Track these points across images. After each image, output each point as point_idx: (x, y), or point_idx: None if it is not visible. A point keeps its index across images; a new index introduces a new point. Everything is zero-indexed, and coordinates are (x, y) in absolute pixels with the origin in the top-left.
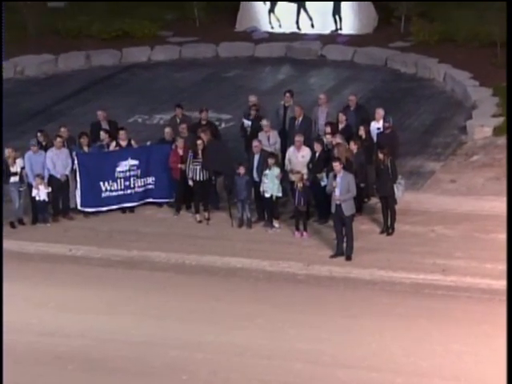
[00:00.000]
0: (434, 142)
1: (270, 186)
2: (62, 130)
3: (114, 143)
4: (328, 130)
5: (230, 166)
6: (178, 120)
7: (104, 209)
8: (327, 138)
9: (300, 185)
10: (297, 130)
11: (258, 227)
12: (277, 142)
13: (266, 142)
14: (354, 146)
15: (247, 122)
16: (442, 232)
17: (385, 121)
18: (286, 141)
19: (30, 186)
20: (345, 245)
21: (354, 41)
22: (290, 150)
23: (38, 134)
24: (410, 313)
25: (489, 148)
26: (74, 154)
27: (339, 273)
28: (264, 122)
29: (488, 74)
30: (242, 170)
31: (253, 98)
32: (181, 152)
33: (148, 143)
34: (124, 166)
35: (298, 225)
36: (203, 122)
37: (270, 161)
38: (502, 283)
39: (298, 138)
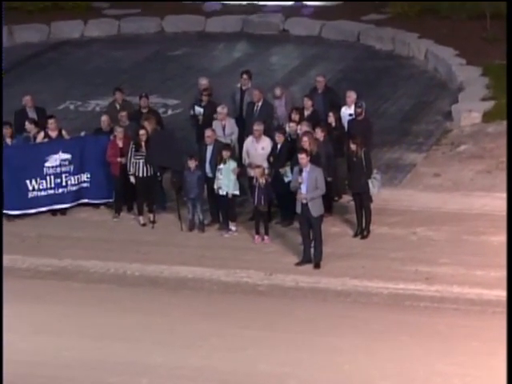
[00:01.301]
0: (415, 130)
1: (226, 182)
2: None
3: (41, 134)
4: (292, 116)
5: (179, 159)
6: (118, 106)
7: (31, 211)
8: (291, 127)
9: (261, 181)
10: (256, 118)
11: (212, 231)
12: (234, 132)
13: (220, 132)
14: (320, 134)
15: (198, 109)
16: (425, 234)
17: (357, 106)
18: (244, 130)
19: None
20: (312, 250)
21: (321, 13)
22: (248, 141)
23: None
24: (389, 328)
25: (478, 136)
26: None
27: (306, 283)
28: (219, 109)
29: (477, 50)
30: (192, 165)
31: (204, 81)
32: (120, 144)
33: (82, 134)
34: (54, 160)
35: (259, 228)
36: (143, 111)
37: (225, 153)
38: (495, 293)
39: (258, 127)
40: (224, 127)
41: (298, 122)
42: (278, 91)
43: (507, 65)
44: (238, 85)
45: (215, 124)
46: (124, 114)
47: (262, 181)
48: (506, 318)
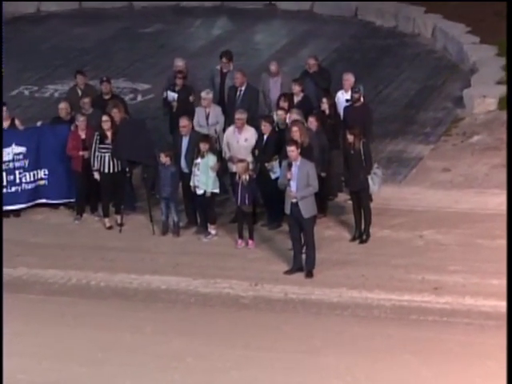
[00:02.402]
0: (421, 119)
1: (204, 179)
2: None
3: None
4: (281, 103)
5: (150, 153)
6: (79, 92)
7: None
8: (279, 115)
9: (244, 177)
10: (238, 105)
11: (189, 235)
12: (219, 121)
13: (203, 121)
14: (313, 124)
15: (171, 94)
16: (433, 238)
17: (354, 91)
18: (225, 119)
19: None
20: (304, 257)
21: None
22: (229, 131)
23: None
24: (392, 346)
25: (493, 125)
26: None
27: (297, 294)
28: (203, 94)
29: (491, 26)
30: (165, 159)
31: (179, 62)
32: (83, 135)
33: (38, 124)
34: (6, 154)
35: (242, 231)
36: (105, 97)
37: (203, 146)
38: None
39: (240, 115)
40: (208, 115)
41: (287, 110)
42: (273, 66)
43: (507, 65)
44: (218, 67)
45: (198, 111)
46: (86, 100)
47: (246, 177)
48: (506, 316)
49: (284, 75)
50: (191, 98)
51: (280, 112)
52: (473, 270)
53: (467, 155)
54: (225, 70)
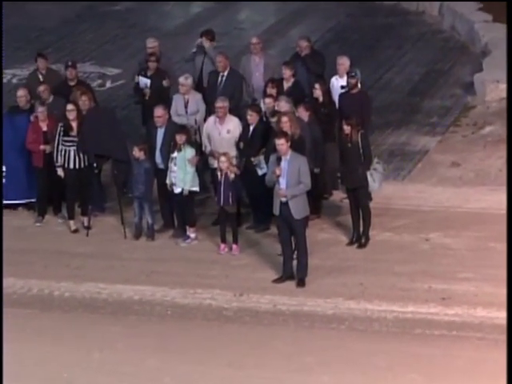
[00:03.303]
0: (427, 107)
1: (181, 176)
2: None
3: None
4: (268, 90)
5: (121, 146)
6: (40, 77)
7: None
8: (267, 103)
9: (230, 175)
10: (220, 91)
11: (165, 239)
12: (200, 110)
13: (181, 110)
14: (304, 114)
15: (144, 80)
16: (441, 242)
17: (351, 76)
18: (206, 107)
19: None
20: (295, 263)
21: None
22: (210, 122)
23: None
24: (395, 364)
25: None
26: None
27: (287, 305)
28: (182, 80)
29: (505, 3)
30: (139, 153)
31: (152, 43)
32: (44, 127)
33: None
34: None
35: (225, 234)
36: (70, 84)
37: (179, 138)
38: None
39: (222, 104)
40: (187, 103)
41: (276, 97)
42: (255, 40)
43: (507, 66)
44: (194, 49)
45: (176, 99)
46: (42, 88)
47: (230, 174)
48: (506, 316)
49: (268, 56)
50: (165, 83)
51: (268, 100)
52: (485, 277)
53: (479, 148)
54: (206, 51)
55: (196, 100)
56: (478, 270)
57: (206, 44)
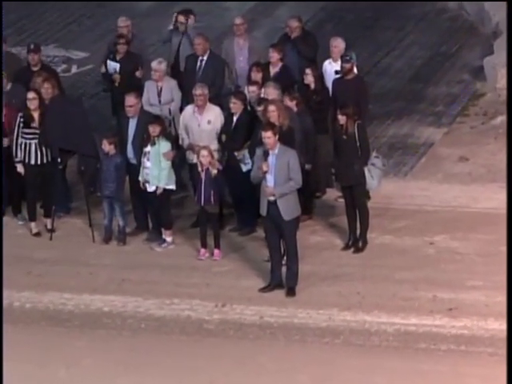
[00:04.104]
0: (431, 95)
1: (155, 172)
2: None
3: None
4: (253, 75)
5: (89, 139)
6: None
7: None
8: (251, 91)
9: (212, 171)
10: (199, 78)
11: (138, 243)
12: (175, 98)
13: (154, 99)
14: (290, 104)
15: (113, 65)
16: (447, 245)
17: (345, 60)
18: (183, 96)
19: None
20: (284, 270)
21: None
22: (188, 112)
23: None
24: (396, 382)
25: None
26: None
27: (275, 317)
28: (155, 64)
29: None
30: (108, 147)
31: (124, 23)
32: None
33: None
34: None
35: (205, 238)
36: (34, 69)
37: (153, 129)
38: None
39: (201, 91)
40: (160, 91)
41: (262, 84)
42: (239, 21)
43: (507, 66)
44: (171, 26)
45: (148, 86)
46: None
47: (211, 170)
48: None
49: (253, 38)
50: (138, 74)
51: (253, 87)
52: (497, 285)
53: (489, 141)
54: (183, 32)
55: (170, 87)
56: (488, 278)
57: (184, 24)
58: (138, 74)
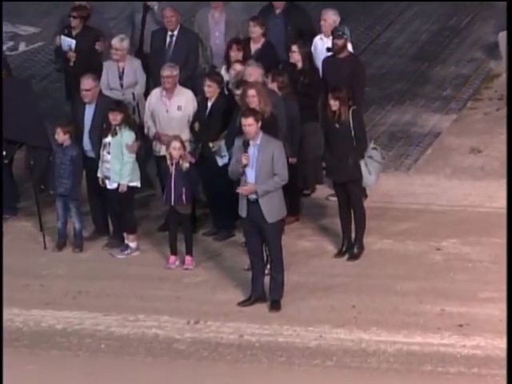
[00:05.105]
0: (438, 76)
1: (117, 167)
2: None
3: None
4: (232, 53)
5: (39, 128)
6: None
7: None
8: (235, 71)
9: (183, 164)
10: (169, 56)
11: (97, 249)
12: (139, 81)
13: (114, 82)
14: (273, 84)
15: (67, 41)
16: (456, 251)
17: (338, 35)
18: (148, 78)
19: None
20: (268, 280)
21: None
22: (155, 96)
23: None
24: None
25: None
26: None
27: (257, 335)
28: (115, 42)
29: None
30: (63, 137)
31: None
32: None
33: None
34: None
35: (176, 243)
36: None
37: (114, 117)
38: None
39: (170, 72)
40: (122, 73)
41: (240, 63)
42: None
43: (507, 67)
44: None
45: (107, 67)
46: None
47: (182, 164)
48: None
49: (230, 10)
50: (98, 46)
51: (237, 66)
52: None
53: (505, 130)
54: (148, 7)
55: (134, 68)
56: (504, 288)
57: None
58: (97, 46)
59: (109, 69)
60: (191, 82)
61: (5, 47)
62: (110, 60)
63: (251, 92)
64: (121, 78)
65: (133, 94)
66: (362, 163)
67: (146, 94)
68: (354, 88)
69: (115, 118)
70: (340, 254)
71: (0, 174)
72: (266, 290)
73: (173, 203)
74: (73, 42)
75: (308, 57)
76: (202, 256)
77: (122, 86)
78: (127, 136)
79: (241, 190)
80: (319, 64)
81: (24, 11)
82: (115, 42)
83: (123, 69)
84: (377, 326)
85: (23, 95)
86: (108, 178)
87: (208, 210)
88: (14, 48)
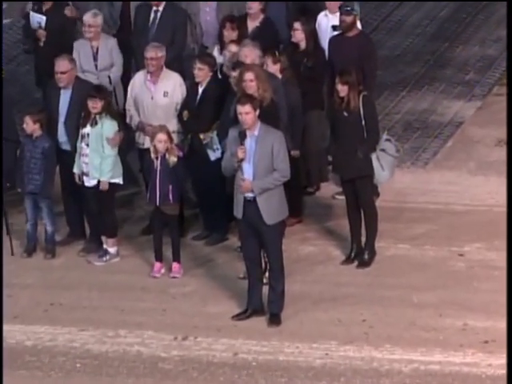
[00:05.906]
0: (460, 58)
1: (96, 161)
2: None
3: None
4: (227, 34)
5: (6, 117)
6: None
7: None
8: (224, 54)
9: (170, 159)
10: (153, 35)
11: (71, 255)
12: (115, 64)
13: (88, 64)
14: (273, 68)
15: (37, 17)
16: (480, 258)
17: (345, 12)
18: (131, 59)
19: None
20: (266, 290)
21: None
22: (138, 81)
23: None
24: None
25: None
26: None
27: (254, 353)
28: (88, 18)
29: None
30: (33, 127)
31: None
32: None
33: None
34: None
35: (161, 248)
36: None
37: (94, 105)
38: None
39: (155, 53)
40: (96, 53)
41: (238, 44)
42: None
43: (507, 68)
44: None
45: (79, 47)
46: None
47: (169, 158)
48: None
49: None
50: (67, 11)
51: (232, 47)
52: None
53: None
54: None
55: (109, 48)
56: None
57: None
58: (66, 11)
59: (80, 49)
60: (178, 63)
61: None
62: (81, 39)
63: (249, 75)
64: (95, 58)
65: (109, 77)
66: (373, 157)
67: (124, 77)
68: (365, 71)
69: (95, 105)
70: (348, 260)
71: None
72: (264, 301)
73: (158, 203)
74: (43, 19)
75: (312, 36)
76: (190, 263)
77: (96, 67)
78: (108, 126)
79: (240, 187)
80: (324, 44)
81: None
82: (87, 17)
83: (97, 49)
84: (390, 343)
85: None
86: (86, 173)
87: (198, 210)
88: None
